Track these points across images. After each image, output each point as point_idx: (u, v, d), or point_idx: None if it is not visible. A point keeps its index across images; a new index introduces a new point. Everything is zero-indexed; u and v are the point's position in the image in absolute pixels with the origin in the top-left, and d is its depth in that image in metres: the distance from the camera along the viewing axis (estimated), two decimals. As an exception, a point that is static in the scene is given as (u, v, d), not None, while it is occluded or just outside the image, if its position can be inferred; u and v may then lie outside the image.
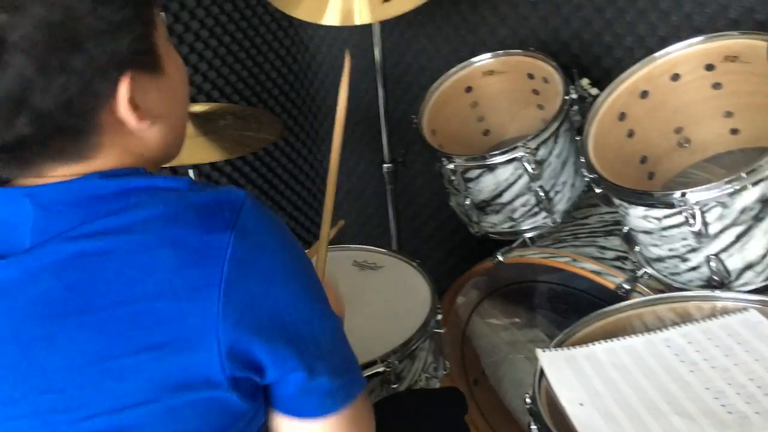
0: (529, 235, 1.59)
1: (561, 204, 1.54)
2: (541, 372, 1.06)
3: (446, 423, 1.25)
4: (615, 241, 1.49)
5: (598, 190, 1.26)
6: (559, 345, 1.11)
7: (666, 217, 1.16)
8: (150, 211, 0.70)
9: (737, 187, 1.08)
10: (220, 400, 0.71)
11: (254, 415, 0.76)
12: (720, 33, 1.29)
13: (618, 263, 1.44)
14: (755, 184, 1.08)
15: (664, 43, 1.40)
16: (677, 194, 1.11)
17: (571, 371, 1.05)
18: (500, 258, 1.55)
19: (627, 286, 1.33)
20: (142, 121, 0.75)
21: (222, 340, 0.68)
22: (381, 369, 1.25)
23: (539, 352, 1.09)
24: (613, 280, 1.37)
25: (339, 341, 0.80)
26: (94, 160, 0.74)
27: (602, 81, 1.43)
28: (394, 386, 1.27)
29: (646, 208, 1.18)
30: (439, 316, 1.38)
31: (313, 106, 2.62)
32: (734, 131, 1.39)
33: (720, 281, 1.18)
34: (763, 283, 1.17)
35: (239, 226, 0.70)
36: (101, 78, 0.70)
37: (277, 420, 0.79)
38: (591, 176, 1.25)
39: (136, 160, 0.77)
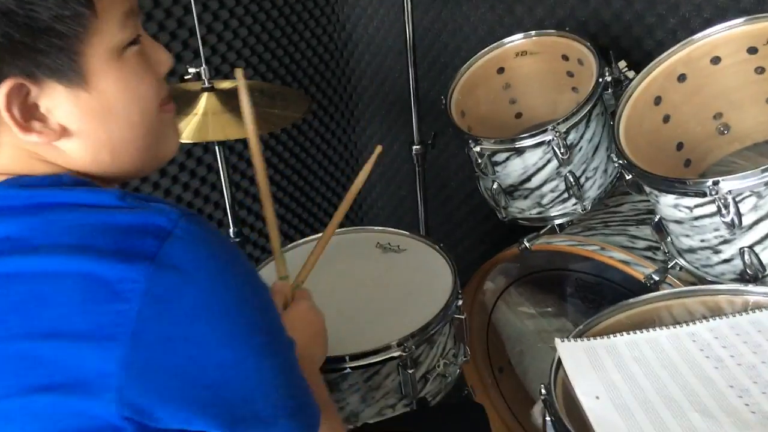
0: (558, 221, 1.54)
1: (592, 190, 1.49)
2: (559, 362, 1.03)
3: None
4: (647, 231, 1.44)
5: (628, 177, 1.21)
6: (580, 336, 1.08)
7: (697, 206, 1.11)
8: (60, 233, 0.62)
9: (774, 177, 1.03)
10: None
11: None
12: (763, 14, 1.22)
13: (649, 253, 1.39)
14: (793, 173, 1.02)
15: (708, 24, 1.33)
16: (709, 182, 1.05)
17: (589, 363, 1.02)
18: (526, 244, 1.51)
19: (656, 278, 1.29)
20: (28, 132, 0.66)
21: (124, 391, 0.60)
22: (397, 353, 1.23)
23: (558, 341, 1.06)
24: (642, 270, 1.33)
25: (278, 384, 0.70)
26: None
27: (642, 64, 1.37)
28: (411, 371, 1.24)
29: (677, 196, 1.13)
30: (460, 302, 1.35)
31: (349, 86, 2.60)
32: (777, 119, 1.33)
33: (754, 275, 1.13)
34: (800, 279, 1.12)
35: (161, 256, 0.61)
36: None
37: None
38: (620, 162, 1.20)
39: (56, 169, 0.69)
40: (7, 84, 0.63)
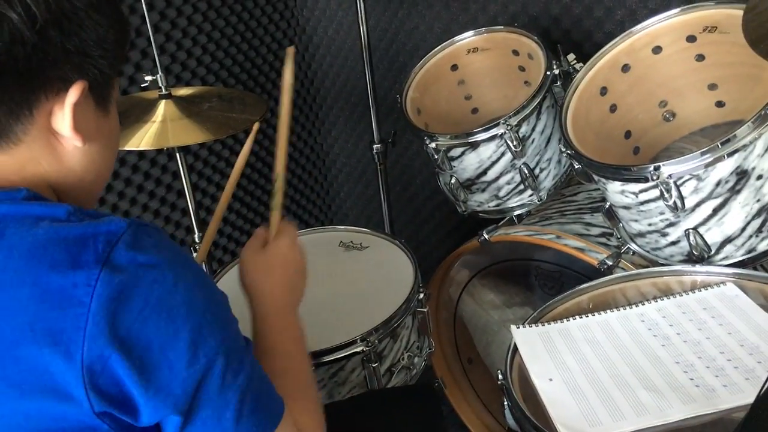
0: (516, 212, 1.58)
1: (547, 181, 1.52)
2: (515, 348, 1.06)
3: (417, 423, 1.24)
4: (601, 218, 1.47)
5: (576, 166, 1.24)
6: (534, 321, 1.11)
7: (642, 191, 1.15)
8: (12, 244, 0.65)
9: (712, 158, 1.06)
10: None
11: None
12: (699, 3, 1.26)
13: (603, 240, 1.43)
14: (730, 155, 1.06)
15: (653, 15, 1.37)
16: (650, 168, 1.09)
17: (543, 347, 1.05)
18: (486, 236, 1.55)
19: (609, 262, 1.32)
20: (76, 133, 0.73)
21: (89, 386, 0.63)
22: (361, 348, 1.25)
23: (513, 328, 1.09)
24: (596, 256, 1.36)
25: (239, 380, 0.72)
26: (1, 155, 0.71)
27: (593, 56, 1.41)
28: (375, 365, 1.27)
29: (622, 182, 1.17)
30: (422, 295, 1.38)
31: (312, 88, 2.61)
32: (720, 103, 1.37)
33: (700, 255, 1.17)
34: (744, 257, 1.16)
35: (112, 260, 0.64)
36: (61, 67, 0.70)
37: None
38: (568, 152, 1.24)
39: (34, 180, 0.73)
40: (80, 85, 0.72)
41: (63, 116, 0.72)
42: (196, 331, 0.68)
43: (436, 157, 1.51)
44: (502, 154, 1.46)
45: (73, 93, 0.71)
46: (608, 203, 1.29)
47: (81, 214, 0.69)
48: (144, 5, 1.57)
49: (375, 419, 1.20)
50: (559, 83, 1.46)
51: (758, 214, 1.12)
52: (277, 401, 0.78)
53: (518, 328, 1.09)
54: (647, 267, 1.27)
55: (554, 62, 1.44)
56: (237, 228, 2.45)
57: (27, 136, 0.71)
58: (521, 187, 1.52)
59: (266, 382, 0.77)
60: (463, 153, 1.48)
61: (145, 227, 0.68)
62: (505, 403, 0.99)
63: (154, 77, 1.56)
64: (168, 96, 1.58)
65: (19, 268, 0.64)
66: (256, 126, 1.30)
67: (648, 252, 1.28)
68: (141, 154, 2.04)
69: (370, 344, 1.25)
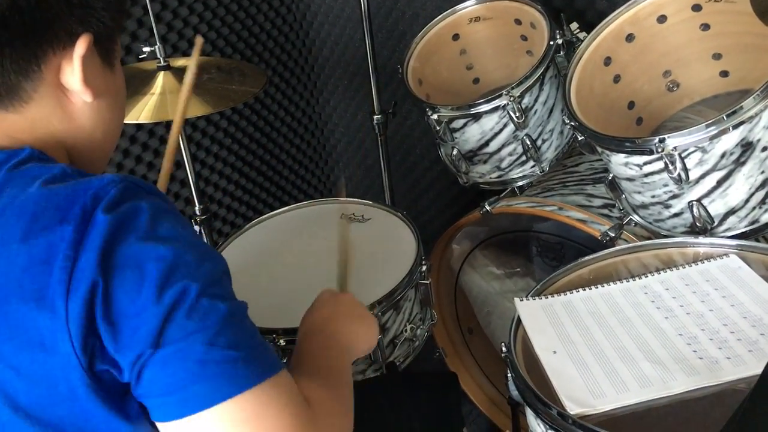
0: (518, 184, 1.57)
1: (549, 152, 1.52)
2: (518, 320, 1.07)
3: (437, 408, 1.25)
4: (603, 189, 1.47)
5: (580, 138, 1.24)
6: (538, 294, 1.12)
7: (646, 163, 1.14)
8: (6, 204, 0.66)
9: (717, 131, 1.06)
10: (87, 413, 0.65)
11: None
12: (705, -28, 1.25)
13: (605, 211, 1.43)
14: (736, 126, 1.06)
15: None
16: (655, 140, 1.09)
17: (547, 319, 1.06)
18: (487, 208, 1.55)
19: (612, 234, 1.32)
20: (86, 87, 0.73)
21: (76, 343, 0.62)
22: (364, 320, 1.25)
23: (517, 301, 1.10)
24: (598, 228, 1.37)
25: (224, 322, 0.67)
26: (10, 115, 0.72)
27: (596, 24, 1.39)
28: (379, 337, 1.27)
29: (627, 155, 1.16)
30: (425, 267, 1.38)
31: (310, 58, 2.59)
32: (724, 73, 1.36)
33: (703, 227, 1.17)
34: (747, 228, 1.16)
35: (99, 214, 0.64)
36: (65, 19, 0.71)
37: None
38: (572, 123, 1.23)
39: (44, 138, 0.74)
40: (87, 38, 0.73)
41: (72, 70, 0.72)
42: (166, 274, 0.65)
43: (437, 128, 1.50)
44: (505, 126, 1.45)
45: (81, 45, 0.72)
46: (611, 175, 1.29)
47: (78, 175, 0.69)
48: (140, -27, 1.54)
49: (395, 402, 1.21)
50: (562, 53, 1.44)
51: (762, 185, 1.11)
52: (272, 357, 0.70)
53: (522, 300, 1.10)
54: (649, 239, 1.28)
55: (557, 32, 1.43)
56: (236, 199, 2.45)
57: (37, 93, 0.72)
58: (523, 158, 1.51)
59: (256, 336, 0.71)
60: (465, 124, 1.47)
61: (136, 183, 0.68)
62: (509, 375, 1.00)
63: (153, 48, 1.54)
64: (167, 67, 1.56)
65: (10, 226, 0.65)
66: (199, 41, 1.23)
67: (650, 223, 1.28)
68: (139, 125, 2.02)
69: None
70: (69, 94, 0.75)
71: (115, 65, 0.80)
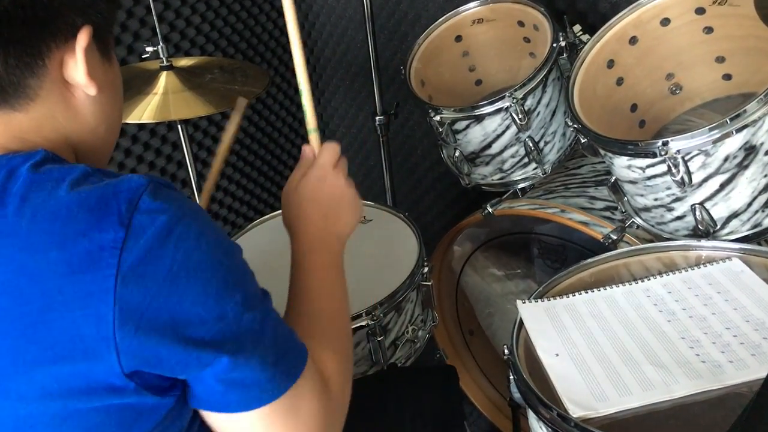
0: (519, 186, 1.57)
1: (551, 154, 1.52)
2: (521, 323, 1.07)
3: (438, 403, 1.25)
4: (605, 191, 1.47)
5: (583, 140, 1.24)
6: (540, 296, 1.12)
7: (649, 166, 1.14)
8: (36, 208, 0.65)
9: (721, 134, 1.06)
10: (129, 405, 0.67)
11: (174, 411, 0.71)
12: (709, -25, 1.25)
13: (607, 213, 1.43)
14: (739, 130, 1.06)
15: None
16: (659, 143, 1.09)
17: (549, 322, 1.06)
18: (489, 209, 1.54)
19: (614, 237, 1.32)
20: (91, 80, 0.73)
21: (121, 347, 0.63)
22: (365, 322, 1.26)
23: (519, 303, 1.10)
24: (600, 230, 1.36)
25: (265, 330, 0.72)
26: (17, 114, 0.72)
27: (598, 26, 1.39)
28: (380, 338, 1.28)
29: (630, 157, 1.16)
30: (426, 269, 1.38)
31: (311, 58, 2.59)
32: (727, 77, 1.36)
33: (705, 230, 1.17)
34: (749, 232, 1.16)
35: (136, 220, 0.64)
36: (66, 12, 0.70)
37: (204, 414, 0.74)
38: (575, 126, 1.23)
39: (52, 137, 0.74)
40: (88, 30, 0.72)
41: (76, 63, 0.72)
42: (222, 284, 0.68)
43: (440, 129, 1.50)
44: (507, 128, 1.45)
45: (82, 38, 0.72)
46: (614, 177, 1.29)
47: (100, 174, 0.69)
48: (143, -27, 1.54)
49: (396, 396, 1.21)
50: (564, 55, 1.44)
51: (765, 189, 1.11)
52: (301, 351, 0.77)
53: (524, 303, 1.10)
54: (651, 241, 1.27)
55: (560, 34, 1.43)
56: (238, 199, 2.45)
57: (42, 90, 0.72)
58: (525, 160, 1.51)
59: (287, 332, 0.77)
60: (468, 126, 1.47)
61: (162, 184, 0.69)
62: (511, 377, 1.00)
63: (156, 48, 1.54)
64: (169, 67, 1.56)
65: (45, 231, 0.64)
66: (244, 102, 1.30)
67: (653, 226, 1.28)
68: (141, 124, 2.02)
69: (375, 318, 1.26)
70: (72, 89, 0.74)
71: (112, 58, 0.80)
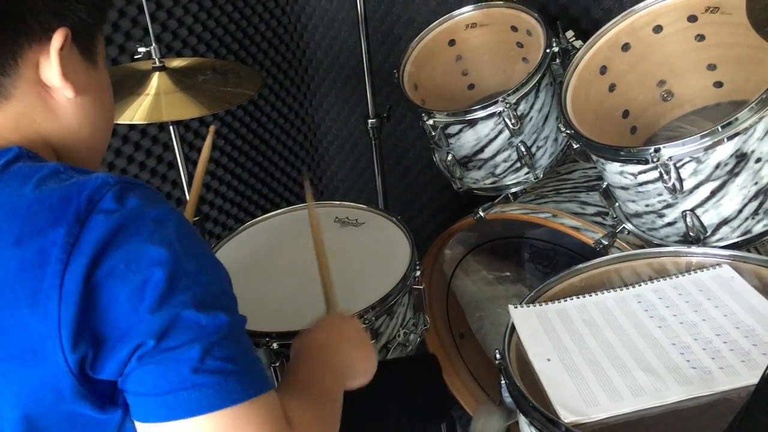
0: (511, 190, 1.58)
1: (543, 159, 1.52)
2: (512, 327, 1.07)
3: (422, 390, 1.24)
4: (597, 197, 1.48)
5: (575, 146, 1.24)
6: (532, 301, 1.12)
7: (641, 173, 1.15)
8: (1, 202, 0.65)
9: (712, 142, 1.07)
10: (77, 414, 0.65)
11: (121, 422, 0.68)
12: (701, -17, 1.26)
13: (598, 219, 1.44)
14: (730, 138, 1.06)
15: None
16: (651, 150, 1.09)
17: (541, 327, 1.06)
18: (481, 214, 1.55)
19: (605, 242, 1.33)
20: (66, 82, 0.73)
21: (66, 345, 0.61)
22: (357, 325, 1.25)
23: (511, 308, 1.10)
24: (591, 235, 1.37)
25: (219, 332, 0.66)
26: None
27: (590, 32, 1.40)
28: (372, 342, 1.27)
29: (622, 164, 1.17)
30: (418, 272, 1.38)
31: (304, 60, 2.59)
32: (718, 84, 1.37)
33: (696, 237, 1.18)
34: (739, 239, 1.17)
35: (92, 219, 0.63)
36: (39, 12, 0.70)
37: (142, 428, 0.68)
38: (568, 132, 1.23)
39: (30, 137, 0.73)
40: (63, 32, 0.72)
41: (50, 65, 0.72)
42: (168, 281, 0.64)
43: (433, 133, 1.51)
44: (500, 132, 1.46)
45: (57, 39, 0.71)
46: (605, 183, 1.30)
47: (71, 172, 0.68)
48: (135, -27, 1.54)
49: (380, 388, 1.20)
50: (557, 61, 1.45)
51: (755, 196, 1.12)
52: (260, 375, 0.71)
53: (516, 307, 1.10)
54: (642, 247, 1.28)
55: (553, 39, 1.43)
56: (228, 200, 2.44)
57: (17, 89, 0.72)
58: (518, 164, 1.52)
59: (247, 345, 0.71)
60: (460, 130, 1.48)
61: (134, 184, 0.67)
62: (503, 381, 1.00)
63: (148, 48, 1.54)
64: (162, 68, 1.56)
65: (3, 229, 0.63)
66: (211, 129, 1.37)
67: (643, 232, 1.29)
68: (132, 125, 2.01)
69: (367, 321, 1.26)
70: (51, 91, 0.74)
71: (97, 62, 0.79)
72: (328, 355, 0.95)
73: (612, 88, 1.38)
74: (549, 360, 0.99)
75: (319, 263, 1.15)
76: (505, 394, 1.00)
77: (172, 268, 0.64)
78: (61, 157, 0.77)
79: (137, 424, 0.67)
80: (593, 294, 1.11)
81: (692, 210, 1.15)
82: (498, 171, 1.54)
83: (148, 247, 0.64)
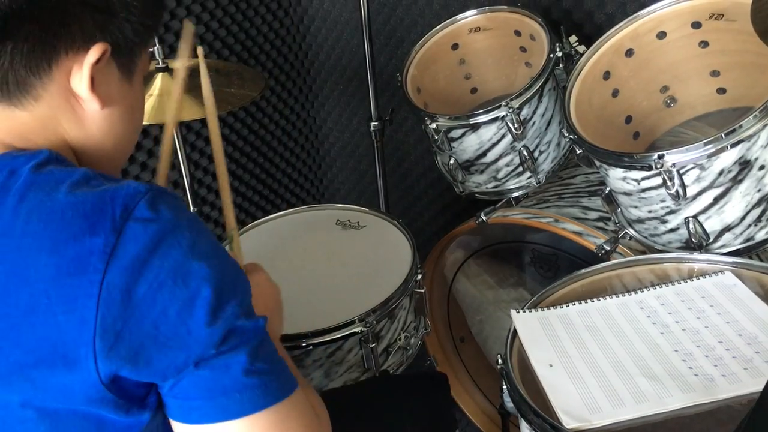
0: (513, 195, 1.58)
1: (545, 164, 1.52)
2: (514, 332, 1.07)
3: (429, 410, 1.25)
4: (599, 202, 1.48)
5: (578, 151, 1.24)
6: (534, 306, 1.12)
7: (644, 179, 1.15)
8: (32, 209, 0.65)
9: (716, 148, 1.07)
10: (104, 419, 0.66)
11: (146, 425, 0.70)
12: (705, -10, 1.26)
13: (600, 224, 1.44)
14: (734, 145, 1.06)
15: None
16: (654, 156, 1.09)
17: (543, 332, 1.06)
18: (483, 218, 1.55)
19: (607, 247, 1.33)
20: (93, 95, 0.73)
21: (100, 354, 0.62)
22: (359, 329, 1.25)
23: (513, 312, 1.10)
24: (594, 241, 1.37)
25: (258, 338, 0.71)
26: (21, 113, 0.71)
27: (594, 37, 1.40)
28: (372, 345, 1.28)
29: (625, 169, 1.17)
30: (420, 276, 1.38)
31: (306, 61, 2.59)
32: (721, 90, 1.37)
33: (698, 243, 1.18)
34: (742, 246, 1.17)
35: (129, 228, 0.64)
36: (83, 22, 0.70)
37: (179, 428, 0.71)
38: (571, 137, 1.23)
39: (55, 140, 0.73)
40: (102, 47, 0.72)
41: (81, 76, 0.71)
42: (216, 295, 0.66)
43: (436, 137, 1.51)
44: (503, 136, 1.46)
45: (93, 53, 0.71)
46: (608, 188, 1.30)
47: (101, 178, 0.69)
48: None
49: (386, 405, 1.21)
50: (560, 66, 1.45)
51: (758, 203, 1.12)
52: (290, 377, 0.75)
53: (518, 312, 1.10)
54: (644, 253, 1.28)
55: (557, 44, 1.43)
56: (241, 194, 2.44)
57: (47, 92, 0.71)
58: (520, 169, 1.51)
59: (277, 354, 0.75)
60: (463, 134, 1.48)
61: (163, 193, 0.68)
62: (504, 386, 1.00)
63: (152, 49, 1.53)
64: (165, 69, 1.56)
65: (38, 234, 0.63)
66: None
67: (646, 238, 1.28)
68: (134, 125, 2.01)
69: (368, 325, 1.26)
70: (79, 99, 0.74)
71: (133, 80, 0.79)
72: (272, 331, 0.97)
73: (615, 93, 1.38)
74: (551, 365, 0.99)
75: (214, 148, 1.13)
76: (507, 399, 1.00)
77: (217, 283, 0.67)
78: (81, 164, 0.77)
79: (179, 425, 0.70)
80: (595, 299, 1.11)
81: (695, 216, 1.15)
82: (500, 175, 1.54)
83: (191, 263, 0.66)
